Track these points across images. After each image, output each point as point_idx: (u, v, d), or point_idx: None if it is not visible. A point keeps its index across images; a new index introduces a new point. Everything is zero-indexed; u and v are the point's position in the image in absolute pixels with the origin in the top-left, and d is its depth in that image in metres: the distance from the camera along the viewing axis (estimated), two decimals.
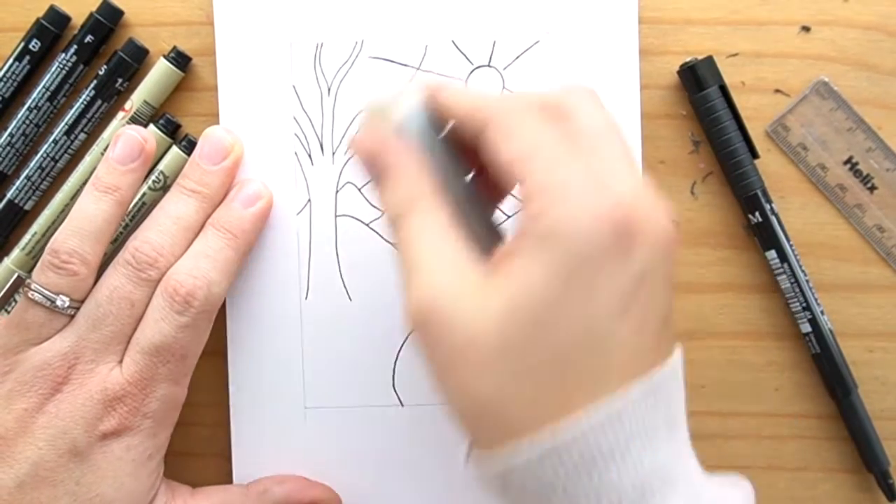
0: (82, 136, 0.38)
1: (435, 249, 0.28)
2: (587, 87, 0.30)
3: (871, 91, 0.38)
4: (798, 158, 0.39)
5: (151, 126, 0.38)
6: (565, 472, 0.26)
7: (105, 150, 0.36)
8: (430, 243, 0.28)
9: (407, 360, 0.38)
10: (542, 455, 0.26)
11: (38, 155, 0.38)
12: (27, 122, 0.38)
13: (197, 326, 0.35)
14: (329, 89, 0.38)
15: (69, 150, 0.38)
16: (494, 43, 0.38)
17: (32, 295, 0.34)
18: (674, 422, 0.27)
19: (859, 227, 0.39)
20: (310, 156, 0.38)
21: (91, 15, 0.38)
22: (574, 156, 0.27)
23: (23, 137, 0.38)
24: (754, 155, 0.38)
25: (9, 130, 0.38)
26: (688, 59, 0.38)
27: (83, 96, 0.38)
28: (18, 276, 0.37)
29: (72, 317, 0.34)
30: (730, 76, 0.38)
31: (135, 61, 0.38)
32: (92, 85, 0.38)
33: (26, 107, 0.38)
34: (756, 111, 0.39)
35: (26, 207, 0.39)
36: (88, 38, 0.38)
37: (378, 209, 0.38)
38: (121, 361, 0.34)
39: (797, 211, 0.39)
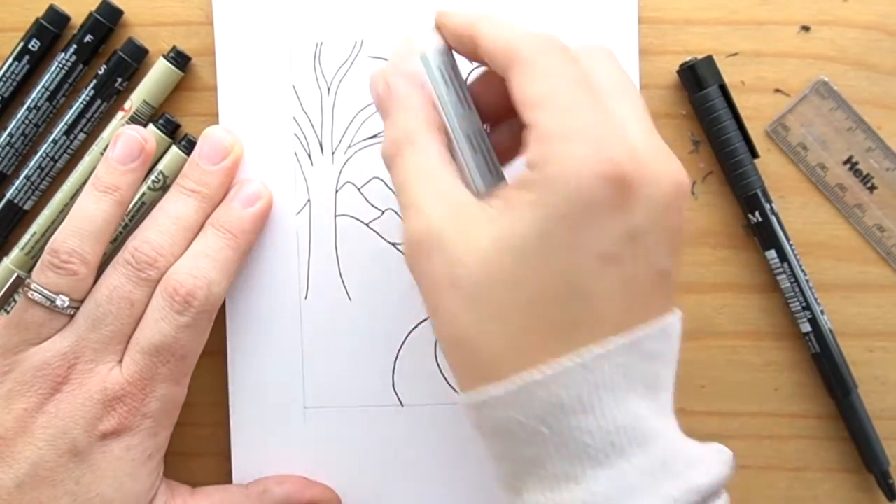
0: (82, 135, 0.38)
1: (428, 185, 0.28)
2: (605, 47, 0.30)
3: (871, 91, 0.38)
4: (798, 158, 0.39)
5: (151, 126, 0.38)
6: (534, 416, 0.26)
7: (105, 149, 0.36)
8: (424, 179, 0.29)
9: (407, 360, 0.38)
10: (509, 398, 0.26)
11: (38, 155, 0.38)
12: (27, 121, 0.38)
13: (197, 326, 0.35)
14: (329, 89, 0.38)
15: (69, 150, 0.38)
16: None
17: (32, 295, 0.34)
18: (655, 383, 0.27)
19: (859, 226, 0.39)
20: (309, 156, 0.38)
21: (90, 15, 0.38)
22: (586, 107, 0.27)
23: (22, 137, 0.38)
24: (754, 155, 0.38)
25: (8, 130, 0.38)
26: (688, 59, 0.38)
27: (83, 96, 0.38)
28: (18, 276, 0.37)
29: (71, 317, 0.34)
30: (730, 76, 0.38)
31: (134, 61, 0.38)
32: (91, 85, 0.38)
33: (26, 106, 0.38)
34: (756, 111, 0.39)
35: (26, 207, 0.39)
36: (88, 38, 0.38)
37: (377, 208, 0.38)
38: (120, 361, 0.34)
39: (797, 211, 0.39)
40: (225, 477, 0.39)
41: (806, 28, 0.38)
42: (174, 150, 0.38)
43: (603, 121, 0.27)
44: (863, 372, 0.39)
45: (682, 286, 0.39)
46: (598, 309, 0.26)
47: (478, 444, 0.28)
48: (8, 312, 0.37)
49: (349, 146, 0.38)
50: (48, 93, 0.38)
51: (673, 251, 0.28)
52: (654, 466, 0.26)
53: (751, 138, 0.38)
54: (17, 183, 0.38)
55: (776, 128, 0.39)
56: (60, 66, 0.38)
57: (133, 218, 0.38)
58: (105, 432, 0.34)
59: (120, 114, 0.38)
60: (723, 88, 0.37)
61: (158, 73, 0.38)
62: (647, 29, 0.38)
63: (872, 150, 0.39)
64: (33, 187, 0.38)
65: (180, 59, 0.38)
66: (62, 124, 0.38)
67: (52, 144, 0.38)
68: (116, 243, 0.37)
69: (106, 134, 0.38)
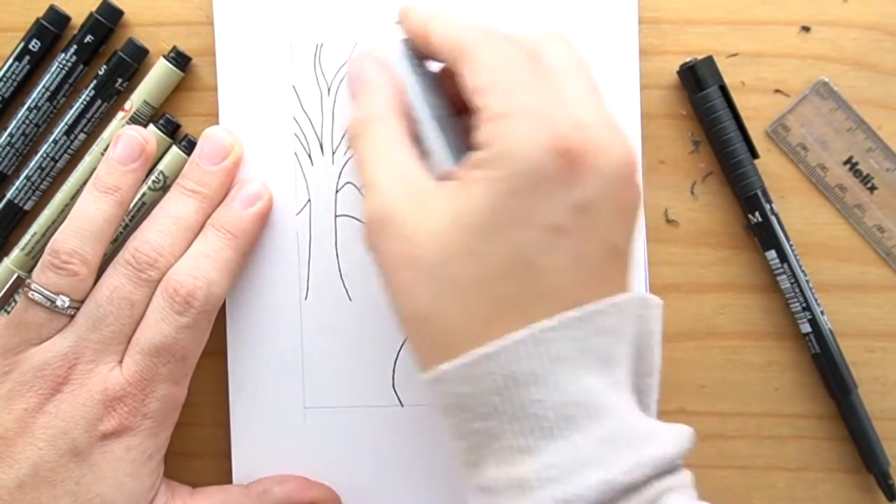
0: (82, 136, 0.38)
1: (387, 165, 0.29)
2: (560, 32, 0.31)
3: (871, 91, 0.38)
4: (798, 158, 0.39)
5: (151, 126, 0.38)
6: (486, 389, 0.26)
7: (105, 150, 0.36)
8: (383, 159, 0.29)
9: (407, 360, 0.38)
10: (463, 372, 0.27)
11: (38, 155, 0.38)
12: (27, 122, 0.38)
13: (197, 327, 0.35)
14: (329, 89, 0.38)
15: (69, 150, 0.38)
16: None
17: (32, 295, 0.34)
18: (609, 358, 0.27)
19: (859, 227, 0.39)
20: (309, 156, 0.38)
21: (91, 15, 0.38)
22: (532, 86, 0.28)
23: (22, 137, 0.38)
24: (754, 155, 0.38)
25: (8, 130, 0.38)
26: (688, 59, 0.38)
27: (83, 96, 0.38)
28: (18, 276, 0.37)
29: (72, 317, 0.34)
30: (730, 76, 0.38)
31: (134, 61, 0.38)
32: (92, 85, 0.38)
33: (26, 107, 0.38)
34: (756, 111, 0.39)
35: (26, 208, 0.39)
36: (88, 38, 0.38)
37: None
38: (121, 362, 0.34)
39: (797, 211, 0.39)
40: (225, 477, 0.39)
41: (806, 28, 0.38)
42: (174, 150, 0.38)
43: (548, 98, 0.28)
44: (863, 372, 0.39)
45: (682, 286, 0.39)
46: (550, 283, 0.27)
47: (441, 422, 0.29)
48: (8, 312, 0.37)
49: (349, 146, 0.38)
50: (48, 93, 0.38)
51: (625, 225, 0.28)
52: (607, 439, 0.26)
53: (751, 139, 0.38)
54: (17, 183, 0.38)
55: (776, 128, 0.39)
56: (61, 66, 0.38)
57: (133, 218, 0.38)
58: (105, 432, 0.34)
59: (120, 114, 0.38)
60: (723, 89, 0.37)
61: (159, 73, 0.38)
62: (647, 29, 0.38)
63: (872, 151, 0.39)
64: (34, 187, 0.38)
65: (180, 60, 0.38)
66: (62, 124, 0.38)
67: (52, 145, 0.38)
68: (117, 243, 0.37)
69: (106, 134, 0.38)
